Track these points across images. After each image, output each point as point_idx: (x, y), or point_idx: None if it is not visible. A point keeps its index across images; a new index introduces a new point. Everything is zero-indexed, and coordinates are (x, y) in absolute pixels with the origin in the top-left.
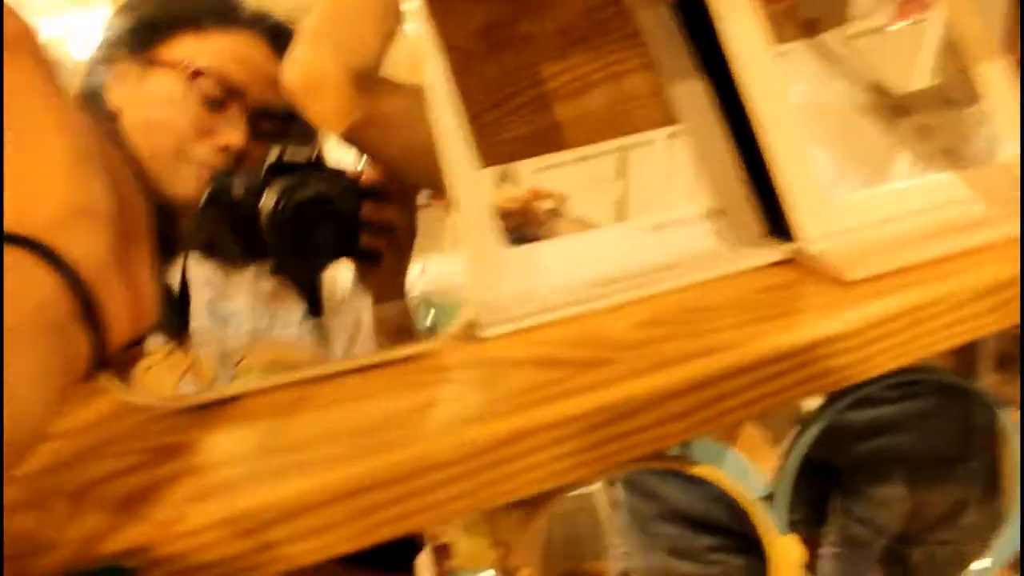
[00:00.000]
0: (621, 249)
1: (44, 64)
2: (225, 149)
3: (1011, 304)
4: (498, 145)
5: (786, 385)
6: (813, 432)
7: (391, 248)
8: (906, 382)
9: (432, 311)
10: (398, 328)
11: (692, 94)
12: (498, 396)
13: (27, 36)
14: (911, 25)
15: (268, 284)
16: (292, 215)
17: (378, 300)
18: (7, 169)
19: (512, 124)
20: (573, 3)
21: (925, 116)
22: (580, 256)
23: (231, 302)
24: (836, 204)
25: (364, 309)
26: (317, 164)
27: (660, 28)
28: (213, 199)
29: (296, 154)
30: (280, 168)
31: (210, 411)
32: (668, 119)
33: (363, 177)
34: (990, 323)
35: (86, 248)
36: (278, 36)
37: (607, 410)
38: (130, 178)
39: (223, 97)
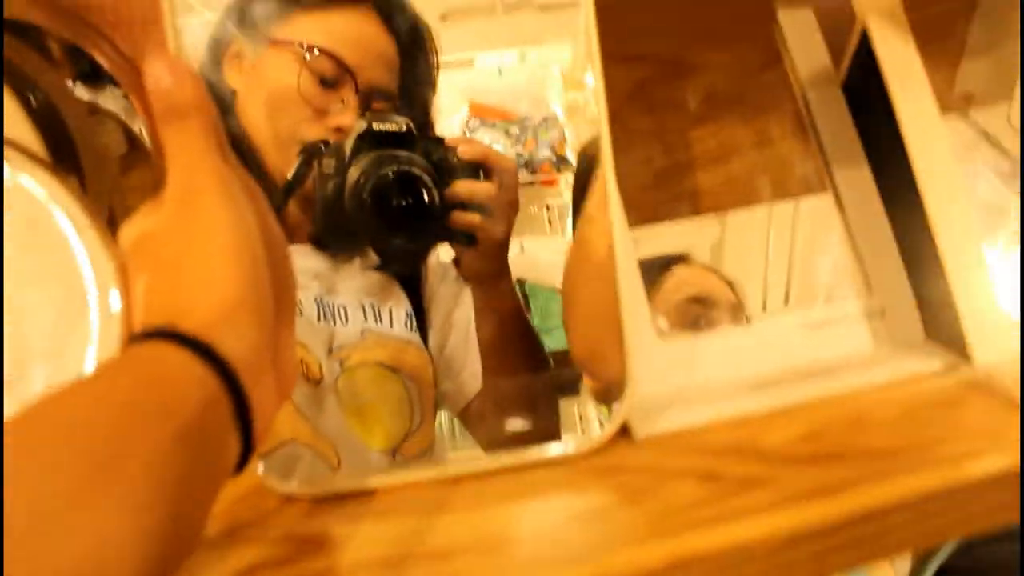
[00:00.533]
0: (778, 346)
1: (215, 133)
2: (339, 130)
3: None
4: (648, 205)
5: (950, 522)
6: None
7: (487, 229)
8: None
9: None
10: (510, 317)
11: (857, 183)
12: (658, 513)
13: (199, 103)
14: None
15: (374, 277)
16: (373, 192)
17: (478, 284)
18: (171, 257)
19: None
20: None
21: None
22: (737, 352)
23: (338, 297)
24: (1010, 320)
25: (460, 303)
26: (408, 135)
27: (828, 110)
28: (299, 177)
29: (387, 122)
30: (369, 138)
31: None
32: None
33: (459, 150)
34: None
35: (246, 343)
36: (389, 11)
37: (769, 540)
38: (284, 247)
39: (337, 77)
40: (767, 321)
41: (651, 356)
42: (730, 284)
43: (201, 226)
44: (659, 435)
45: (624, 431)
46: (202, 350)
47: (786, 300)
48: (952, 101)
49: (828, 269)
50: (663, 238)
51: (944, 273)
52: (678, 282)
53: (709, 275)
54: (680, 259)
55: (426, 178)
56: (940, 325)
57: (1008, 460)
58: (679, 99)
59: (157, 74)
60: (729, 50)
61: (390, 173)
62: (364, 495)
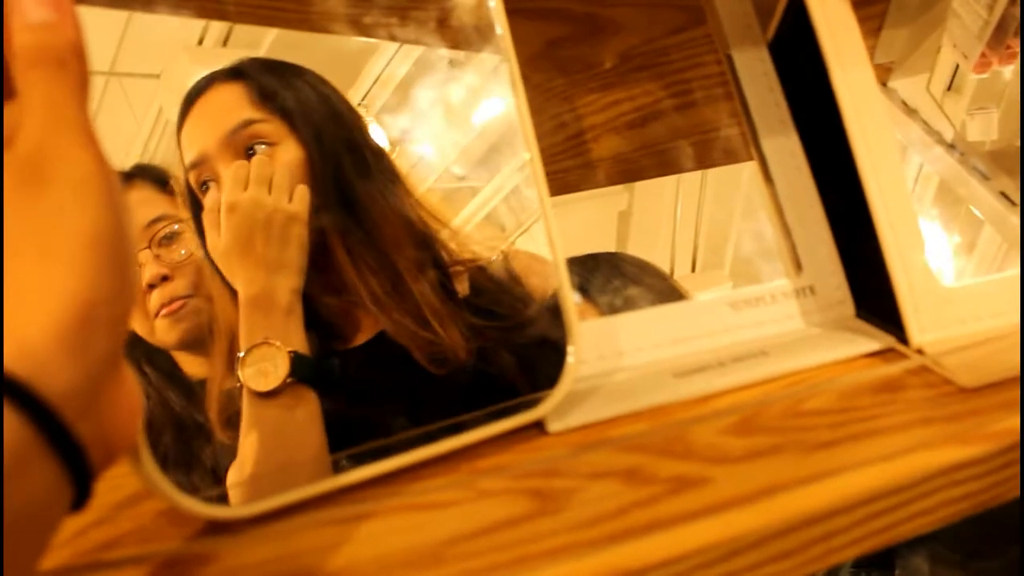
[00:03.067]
0: (703, 328)
1: (87, 93)
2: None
3: None
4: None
5: (901, 519)
6: None
7: None
8: None
9: None
10: None
11: (786, 153)
12: (573, 523)
13: (79, 50)
14: (990, 78)
15: None
16: None
17: None
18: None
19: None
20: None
21: (1008, 180)
22: (659, 334)
23: None
24: (947, 294)
25: None
26: None
27: (753, 73)
28: None
29: None
30: None
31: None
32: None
33: None
34: None
35: (82, 369)
36: None
37: (704, 551)
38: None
39: None
40: (692, 302)
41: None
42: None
43: (50, 204)
44: (576, 428)
45: (536, 425)
46: (14, 390)
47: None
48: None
49: (753, 243)
50: (571, 208)
51: (879, 247)
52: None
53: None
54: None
55: None
56: (873, 302)
57: (959, 452)
58: (593, 59)
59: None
60: (648, 6)
61: None
62: None
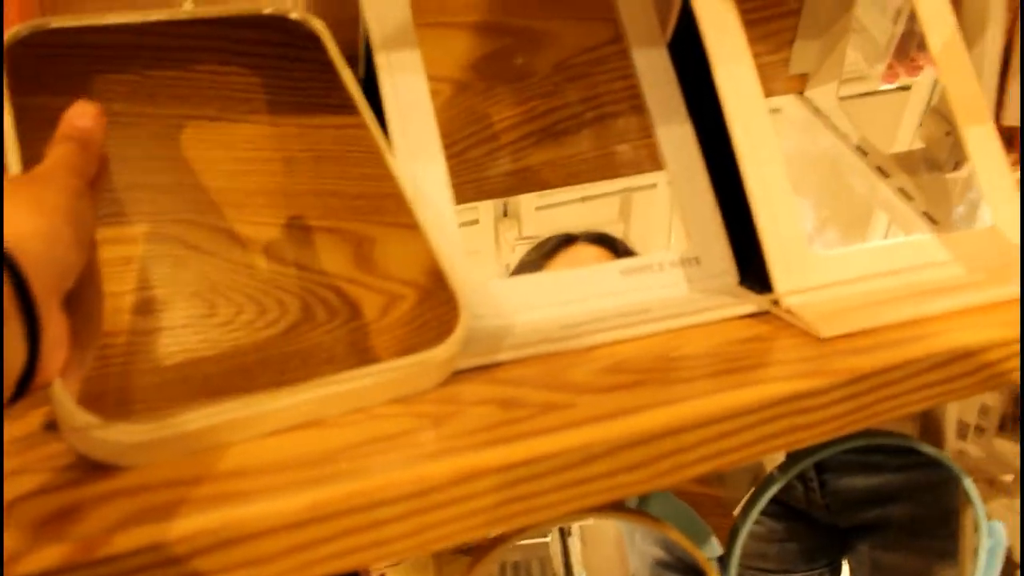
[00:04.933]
0: (594, 291)
1: (80, 173)
2: None
3: (981, 371)
4: (490, 180)
5: (747, 441)
6: (767, 496)
7: None
8: (905, 449)
9: None
10: None
11: (678, 139)
12: (452, 433)
13: (80, 146)
14: (899, 87)
15: None
16: None
17: None
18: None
19: (504, 159)
20: (572, 39)
21: (907, 178)
22: (553, 295)
23: None
24: (815, 259)
25: None
26: None
27: (654, 70)
28: None
29: None
30: None
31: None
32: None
33: None
34: (959, 389)
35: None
36: None
37: (562, 455)
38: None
39: None
40: (585, 270)
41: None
42: (616, 250)
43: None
44: (465, 370)
45: None
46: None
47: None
48: (787, 82)
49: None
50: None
51: (757, 219)
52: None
53: (592, 252)
54: (570, 240)
55: None
56: (754, 273)
57: (804, 384)
58: (529, 69)
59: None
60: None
61: None
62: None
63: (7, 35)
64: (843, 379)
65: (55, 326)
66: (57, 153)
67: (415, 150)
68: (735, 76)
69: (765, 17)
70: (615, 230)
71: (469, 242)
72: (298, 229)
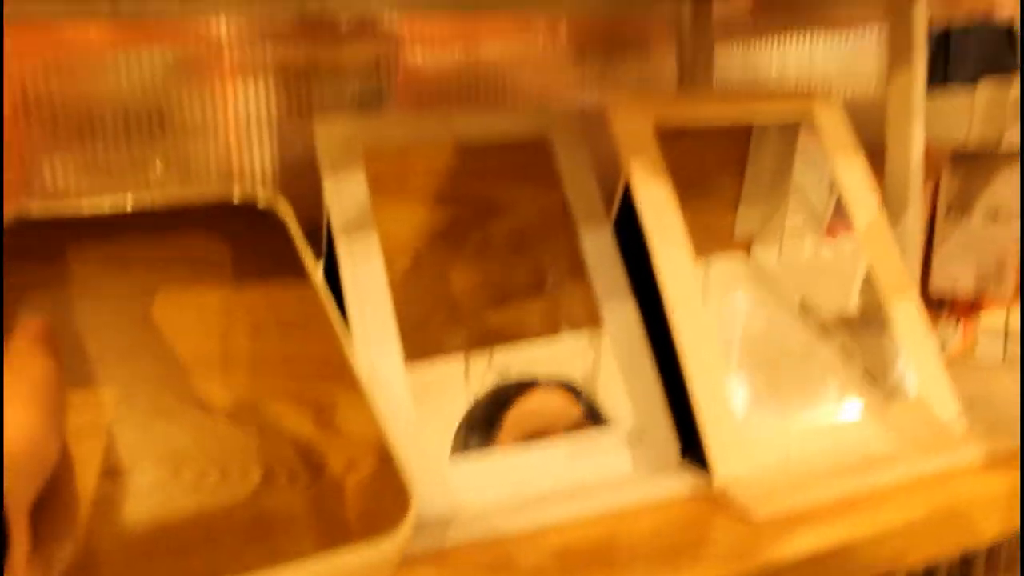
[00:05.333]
0: (542, 472)
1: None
2: None
3: (918, 543)
4: (449, 339)
5: None
6: None
7: None
8: None
9: None
10: None
11: (621, 316)
12: None
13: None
14: (841, 247)
15: None
16: None
17: None
18: None
19: (462, 320)
20: (525, 212)
21: (848, 338)
22: (502, 476)
23: None
24: (751, 440)
25: None
26: None
27: (598, 247)
28: None
29: None
30: None
31: None
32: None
33: None
34: (897, 561)
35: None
36: None
37: None
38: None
39: None
40: (530, 445)
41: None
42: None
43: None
44: (410, 555)
45: None
46: None
47: None
48: (733, 243)
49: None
50: (437, 374)
51: (693, 399)
52: (518, 417)
53: (554, 399)
54: (529, 386)
55: None
56: (696, 444)
57: (741, 567)
58: (478, 238)
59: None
60: (531, 192)
61: None
62: None
63: None
64: (773, 567)
65: (23, 543)
66: (26, 334)
67: (371, 329)
68: (672, 259)
69: (712, 182)
70: (585, 359)
71: (439, 373)
72: (262, 393)
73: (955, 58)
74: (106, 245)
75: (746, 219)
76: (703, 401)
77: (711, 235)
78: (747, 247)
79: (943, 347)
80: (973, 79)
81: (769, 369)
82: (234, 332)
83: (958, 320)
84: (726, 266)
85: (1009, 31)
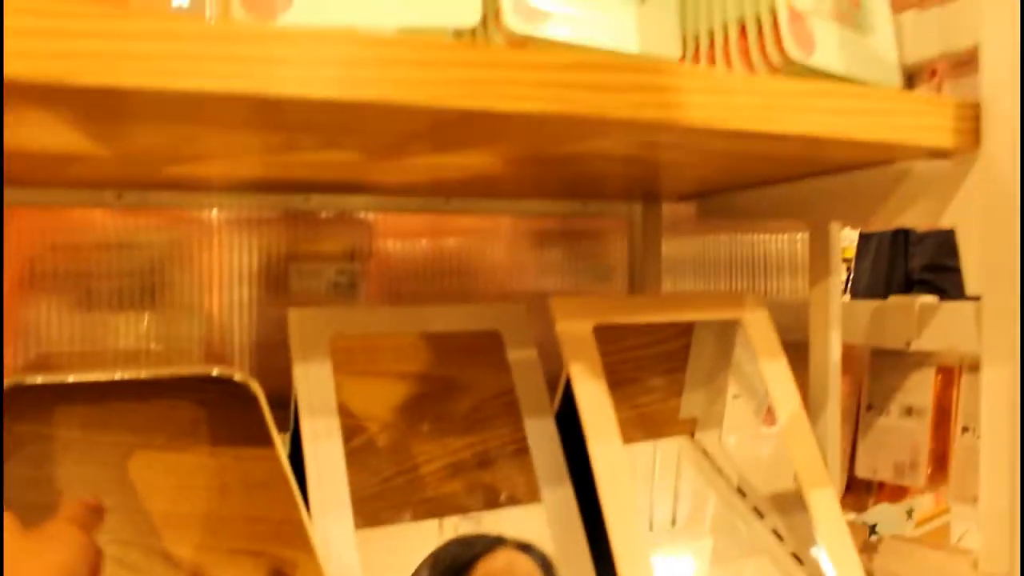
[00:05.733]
0: None
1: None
2: None
3: None
4: (411, 505)
5: None
6: None
7: None
8: None
9: None
10: None
11: (561, 501)
12: None
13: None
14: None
15: None
16: None
17: None
18: None
19: (424, 487)
20: (479, 394)
21: (780, 518)
22: None
23: None
24: None
25: None
26: None
27: (540, 436)
28: None
29: None
30: None
31: None
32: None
33: None
34: None
35: None
36: None
37: None
38: None
39: None
40: None
41: None
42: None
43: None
44: None
45: None
46: None
47: None
48: (679, 425)
49: None
50: (390, 540)
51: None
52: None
53: (520, 560)
54: (496, 543)
55: None
56: None
57: None
58: (438, 412)
59: None
60: (488, 372)
61: None
62: None
63: None
64: None
65: None
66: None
67: (327, 498)
68: (605, 449)
69: (659, 369)
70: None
71: (390, 539)
72: (225, 552)
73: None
74: (89, 408)
75: (690, 403)
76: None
77: (656, 417)
78: (691, 429)
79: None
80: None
81: (705, 545)
82: (203, 493)
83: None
84: (671, 447)
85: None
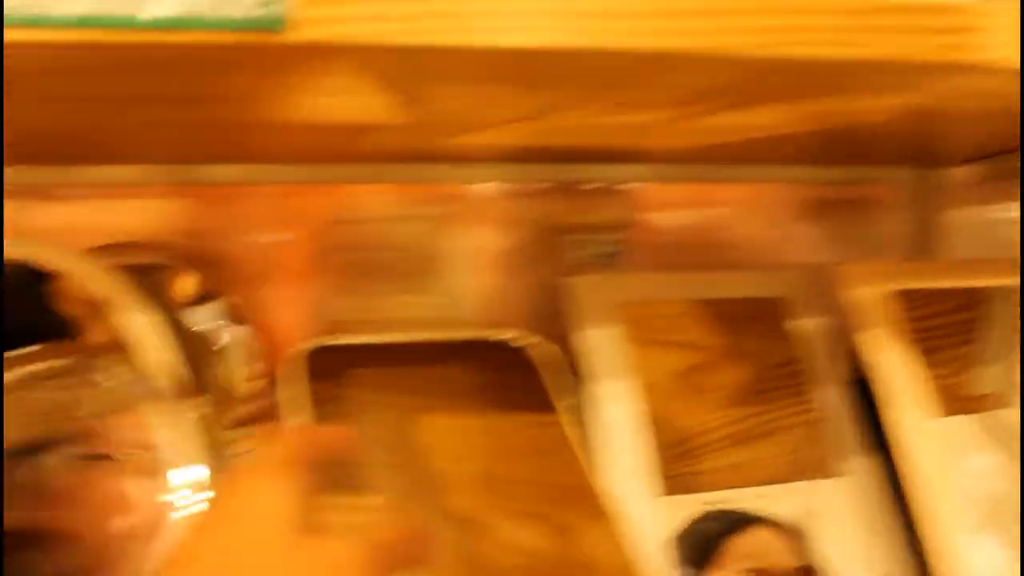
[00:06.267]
0: None
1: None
2: None
3: None
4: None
5: None
6: None
7: None
8: None
9: None
10: None
11: (862, 477)
12: None
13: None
14: None
15: None
16: None
17: None
18: None
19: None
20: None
21: None
22: None
23: None
24: None
25: None
26: None
27: (835, 409)
28: None
29: None
30: None
31: None
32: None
33: None
34: None
35: None
36: None
37: None
38: None
39: None
40: None
41: None
42: (802, 551)
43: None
44: None
45: None
46: None
47: None
48: (967, 403)
49: None
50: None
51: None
52: (738, 553)
53: (777, 543)
54: (755, 521)
55: None
56: None
57: None
58: (716, 382)
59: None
60: (761, 345)
61: None
62: None
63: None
64: None
65: None
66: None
67: (621, 464)
68: (910, 420)
69: (949, 342)
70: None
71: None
72: (506, 512)
73: None
74: (381, 372)
75: (983, 379)
76: (941, 563)
77: (950, 394)
78: (981, 407)
79: None
80: None
81: (1013, 534)
82: (484, 455)
83: None
84: (962, 427)
85: None
